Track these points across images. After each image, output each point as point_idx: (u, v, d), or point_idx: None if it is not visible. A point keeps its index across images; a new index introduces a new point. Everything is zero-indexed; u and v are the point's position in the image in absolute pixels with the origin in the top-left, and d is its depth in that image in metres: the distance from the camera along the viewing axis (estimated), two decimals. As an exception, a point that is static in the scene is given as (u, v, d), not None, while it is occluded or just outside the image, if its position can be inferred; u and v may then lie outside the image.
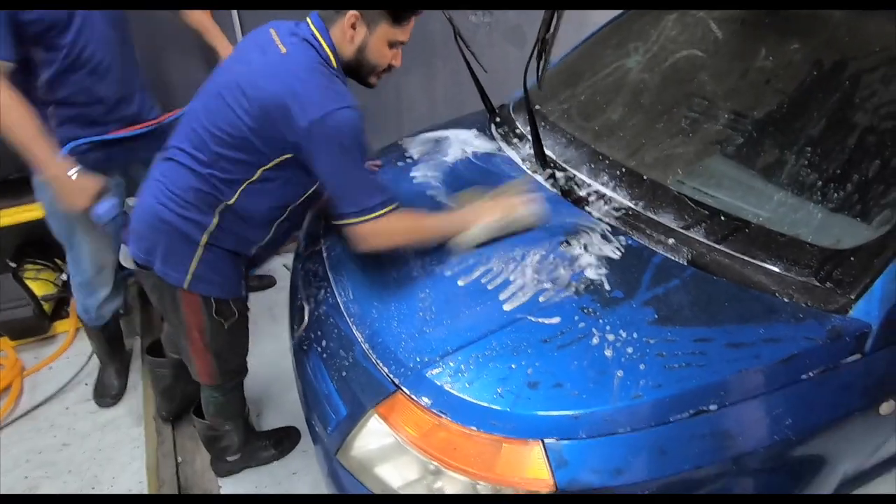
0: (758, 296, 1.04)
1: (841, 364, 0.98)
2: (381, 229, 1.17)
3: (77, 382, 2.11)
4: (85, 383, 2.11)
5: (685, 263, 1.12)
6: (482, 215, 1.23)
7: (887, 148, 1.09)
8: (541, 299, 1.09)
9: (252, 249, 1.35)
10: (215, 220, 1.24)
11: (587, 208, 1.32)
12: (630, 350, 0.97)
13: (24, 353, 2.22)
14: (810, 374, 0.96)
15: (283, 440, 1.81)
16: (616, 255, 1.17)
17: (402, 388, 1.03)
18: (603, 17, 1.98)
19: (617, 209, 1.29)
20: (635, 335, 0.99)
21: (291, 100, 1.09)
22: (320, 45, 1.17)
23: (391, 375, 1.06)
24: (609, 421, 0.91)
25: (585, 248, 1.19)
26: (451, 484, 0.98)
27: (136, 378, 2.12)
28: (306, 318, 1.37)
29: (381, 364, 1.09)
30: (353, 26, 1.16)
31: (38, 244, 2.38)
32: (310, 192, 1.30)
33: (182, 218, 1.23)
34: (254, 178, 1.20)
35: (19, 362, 2.15)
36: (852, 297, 1.00)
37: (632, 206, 1.28)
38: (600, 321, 1.02)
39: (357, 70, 1.23)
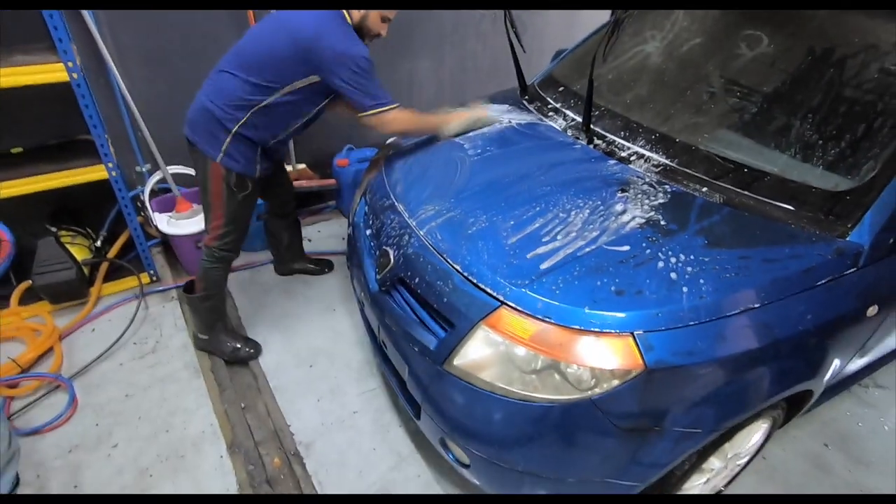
0: (781, 226, 1.34)
1: (844, 275, 1.29)
2: (392, 118, 1.81)
3: (125, 341, 2.19)
4: (133, 342, 2.20)
5: (721, 203, 1.41)
6: (458, 117, 1.93)
7: (869, 116, 1.41)
8: (608, 234, 1.34)
9: (269, 142, 1.86)
10: (246, 117, 1.76)
11: (630, 166, 1.59)
12: (690, 268, 1.24)
13: (60, 318, 2.27)
14: (823, 281, 1.27)
15: (246, 347, 2.16)
16: (665, 199, 1.44)
17: (507, 302, 1.26)
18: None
19: (656, 165, 1.57)
20: (692, 256, 1.27)
21: (325, 38, 1.65)
22: (341, 10, 1.74)
23: (494, 294, 1.28)
24: (682, 316, 1.17)
25: (638, 193, 1.46)
26: (553, 375, 1.22)
27: (186, 338, 2.22)
28: (392, 260, 1.57)
29: (482, 286, 1.31)
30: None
31: (70, 211, 2.43)
32: (321, 106, 1.86)
33: (224, 112, 1.75)
34: (286, 90, 1.73)
35: (57, 329, 2.19)
36: (849, 226, 1.32)
37: (668, 162, 1.56)
38: (664, 247, 1.29)
39: (359, 31, 1.79)
